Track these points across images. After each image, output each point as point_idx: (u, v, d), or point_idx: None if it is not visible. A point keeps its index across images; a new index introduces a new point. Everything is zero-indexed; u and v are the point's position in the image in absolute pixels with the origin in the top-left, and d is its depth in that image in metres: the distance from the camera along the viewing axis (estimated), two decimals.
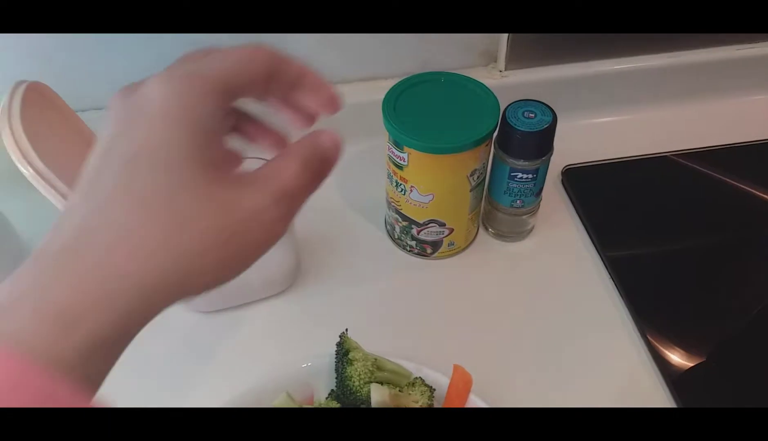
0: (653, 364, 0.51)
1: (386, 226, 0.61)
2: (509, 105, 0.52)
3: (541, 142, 0.52)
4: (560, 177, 0.65)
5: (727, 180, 0.64)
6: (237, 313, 0.55)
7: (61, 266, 0.23)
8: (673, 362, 0.51)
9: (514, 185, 0.55)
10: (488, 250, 0.60)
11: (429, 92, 0.53)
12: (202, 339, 0.54)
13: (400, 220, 0.57)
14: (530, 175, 0.54)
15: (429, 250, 0.58)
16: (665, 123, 0.71)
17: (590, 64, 0.68)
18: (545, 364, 0.52)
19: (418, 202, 0.54)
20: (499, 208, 0.57)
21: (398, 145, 0.50)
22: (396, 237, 0.59)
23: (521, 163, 0.53)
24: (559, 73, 0.67)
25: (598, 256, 0.58)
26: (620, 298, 0.55)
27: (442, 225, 0.55)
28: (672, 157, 0.67)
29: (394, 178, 0.54)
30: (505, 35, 0.64)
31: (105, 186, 0.25)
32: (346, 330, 0.47)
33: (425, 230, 0.56)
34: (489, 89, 0.53)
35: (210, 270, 0.25)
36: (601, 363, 0.52)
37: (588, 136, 0.69)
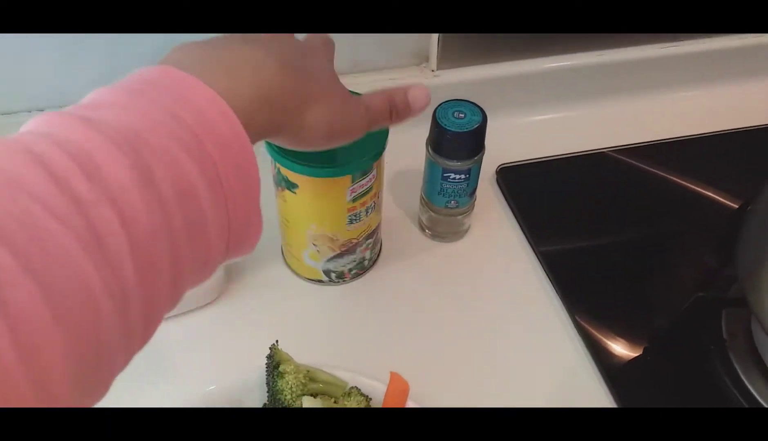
0: (590, 359, 0.51)
1: (333, 280, 0.56)
2: (439, 106, 0.52)
3: (473, 142, 0.52)
4: (495, 176, 0.65)
5: (659, 173, 0.65)
6: (164, 326, 0.52)
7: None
8: (610, 357, 0.51)
9: (448, 186, 0.54)
10: (425, 251, 0.59)
11: None
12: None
13: (370, 242, 0.54)
14: (463, 176, 0.53)
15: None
16: (596, 120, 0.72)
17: (522, 62, 0.68)
18: (482, 366, 0.51)
19: (380, 199, 0.53)
20: (434, 209, 0.57)
21: (366, 170, 0.48)
22: (366, 266, 0.56)
23: (453, 164, 0.52)
24: (491, 72, 0.67)
25: (533, 252, 0.58)
26: (555, 294, 0.55)
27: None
28: (605, 153, 0.67)
29: (362, 209, 0.50)
30: (436, 35, 0.63)
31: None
32: (277, 341, 0.45)
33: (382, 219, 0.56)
34: None
35: (315, 123, 0.34)
36: (539, 360, 0.51)
37: (522, 135, 0.69)
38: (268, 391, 0.44)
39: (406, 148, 0.57)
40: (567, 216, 0.62)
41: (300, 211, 0.50)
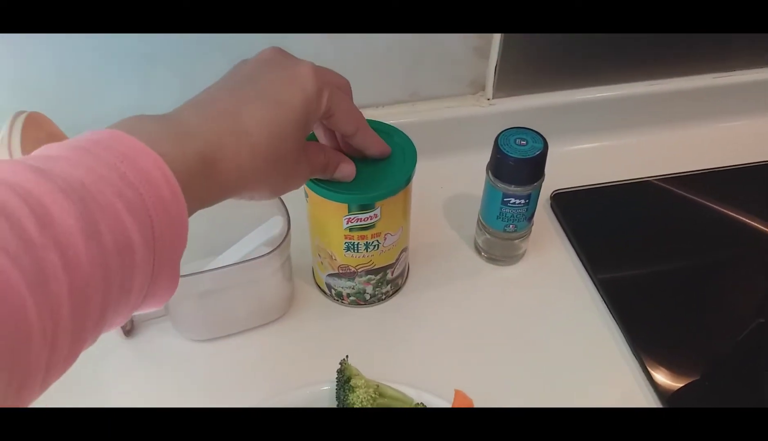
0: (647, 384, 0.52)
1: (334, 297, 0.58)
2: (501, 133, 0.54)
3: (534, 169, 0.54)
4: (549, 201, 0.66)
5: (707, 203, 0.66)
6: (231, 342, 0.55)
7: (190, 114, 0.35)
8: (666, 382, 0.52)
9: (507, 210, 0.56)
10: (481, 274, 0.61)
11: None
12: (197, 367, 0.54)
13: (373, 278, 0.55)
14: (523, 201, 0.55)
15: (400, 282, 0.59)
16: (647, 148, 0.73)
17: (575, 92, 0.70)
18: (541, 387, 0.52)
19: (391, 243, 0.53)
20: (493, 233, 0.59)
21: (367, 207, 0.49)
22: (368, 300, 0.57)
23: (514, 189, 0.54)
24: (544, 100, 0.69)
25: (590, 278, 0.60)
26: (613, 320, 0.56)
27: (406, 249, 0.56)
28: (652, 181, 0.69)
29: (362, 242, 0.52)
30: (493, 64, 0.66)
31: (241, 92, 0.37)
32: (347, 356, 0.48)
33: (397, 265, 0.56)
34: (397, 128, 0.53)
35: (257, 194, 0.39)
36: (596, 384, 0.52)
37: (573, 162, 0.71)
38: (338, 404, 0.46)
39: (466, 173, 0.59)
40: (621, 243, 0.63)
41: (310, 219, 0.53)
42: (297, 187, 0.42)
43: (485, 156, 0.56)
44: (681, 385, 0.52)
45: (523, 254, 0.61)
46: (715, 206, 0.66)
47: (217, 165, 0.34)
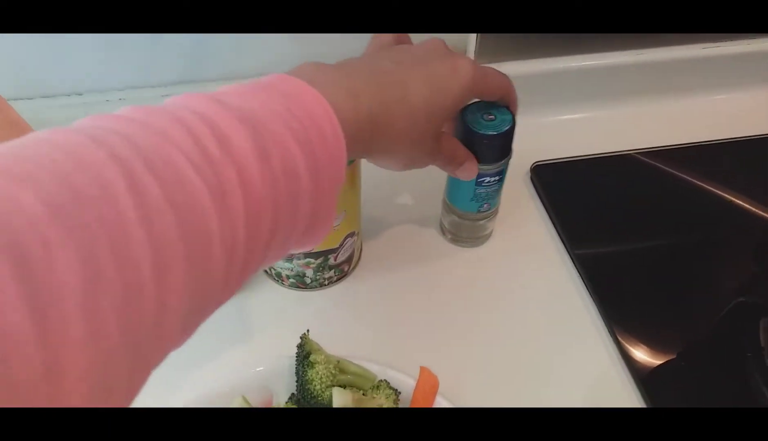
0: (622, 362, 0.50)
1: (273, 276, 0.55)
2: (465, 110, 0.50)
3: (506, 143, 0.51)
4: (529, 174, 0.64)
5: (690, 179, 0.64)
6: None
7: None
8: (642, 360, 0.50)
9: (482, 190, 0.53)
10: (447, 255, 0.58)
11: None
12: None
13: (312, 261, 0.52)
14: (497, 178, 0.52)
15: (347, 268, 0.55)
16: (630, 120, 0.70)
17: (558, 59, 0.67)
18: (513, 365, 0.50)
19: (332, 227, 0.50)
20: (463, 215, 0.55)
21: None
22: (308, 284, 0.54)
23: (488, 168, 0.51)
24: (527, 68, 0.66)
25: (567, 253, 0.57)
26: (589, 295, 0.54)
27: (353, 234, 0.53)
28: (636, 155, 0.66)
29: None
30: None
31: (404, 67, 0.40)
32: (308, 331, 0.45)
33: (341, 250, 0.53)
34: None
35: (397, 156, 0.42)
36: (570, 361, 0.50)
37: (554, 133, 0.68)
38: (297, 381, 0.43)
39: None
40: (601, 217, 0.61)
41: None
42: (422, 166, 0.45)
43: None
44: (658, 363, 0.50)
45: (490, 234, 0.58)
46: (698, 182, 0.64)
47: (380, 126, 0.37)
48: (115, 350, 0.21)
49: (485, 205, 0.54)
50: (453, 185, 0.55)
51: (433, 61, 0.42)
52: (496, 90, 0.47)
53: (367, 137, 0.37)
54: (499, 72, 0.46)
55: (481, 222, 0.56)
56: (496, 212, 0.57)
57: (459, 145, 0.48)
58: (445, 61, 0.42)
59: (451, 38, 0.64)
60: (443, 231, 0.59)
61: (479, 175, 0.51)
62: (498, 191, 0.54)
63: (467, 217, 0.56)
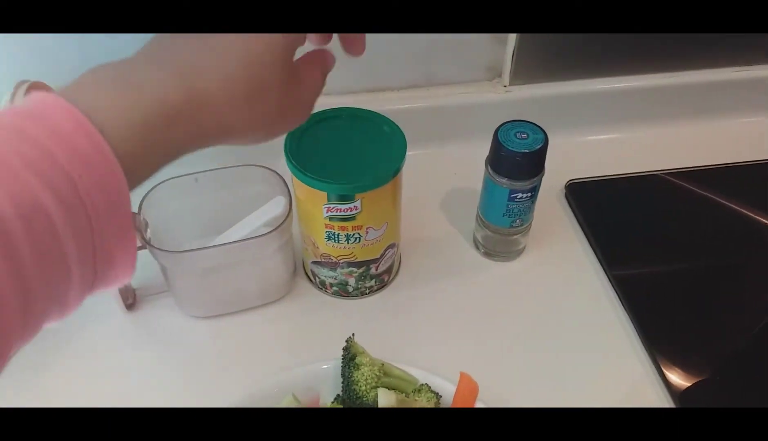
0: (659, 381, 0.50)
1: (318, 285, 0.56)
2: (499, 128, 0.52)
3: (538, 160, 0.53)
4: (563, 191, 0.65)
5: (721, 200, 0.65)
6: (231, 320, 0.54)
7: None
8: (677, 380, 0.50)
9: (514, 206, 0.55)
10: (482, 269, 0.59)
11: (328, 134, 0.50)
12: (196, 344, 0.53)
13: (355, 271, 0.53)
14: (529, 194, 0.54)
15: (387, 278, 0.57)
16: (664, 141, 0.72)
17: (591, 81, 0.69)
18: (550, 376, 0.51)
19: (374, 238, 0.51)
20: (496, 230, 0.57)
21: (346, 198, 0.47)
22: (350, 292, 0.55)
23: (521, 184, 0.53)
24: (561, 89, 0.68)
25: (602, 270, 0.58)
26: (626, 314, 0.55)
27: (393, 246, 0.54)
28: (667, 175, 0.67)
29: (342, 233, 0.50)
30: (511, 51, 0.65)
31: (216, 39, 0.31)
32: (353, 334, 0.47)
33: (383, 261, 0.54)
34: (382, 115, 0.51)
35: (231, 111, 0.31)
36: (607, 377, 0.51)
37: (588, 153, 0.70)
38: (343, 382, 0.45)
39: (480, 161, 0.57)
40: (635, 237, 0.62)
41: (296, 203, 0.52)
42: (300, 119, 0.36)
43: (486, 150, 0.54)
44: (692, 382, 0.50)
45: (523, 249, 0.60)
46: (729, 203, 0.64)
47: (183, 109, 0.29)
48: None
49: (518, 221, 0.56)
50: (486, 201, 0.57)
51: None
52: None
53: (171, 132, 0.29)
54: None
55: (514, 237, 0.58)
56: (529, 228, 0.58)
57: (317, 58, 0.38)
58: None
59: (487, 60, 0.66)
60: (477, 245, 0.60)
61: (512, 191, 0.53)
62: (530, 207, 0.56)
63: (500, 232, 0.57)
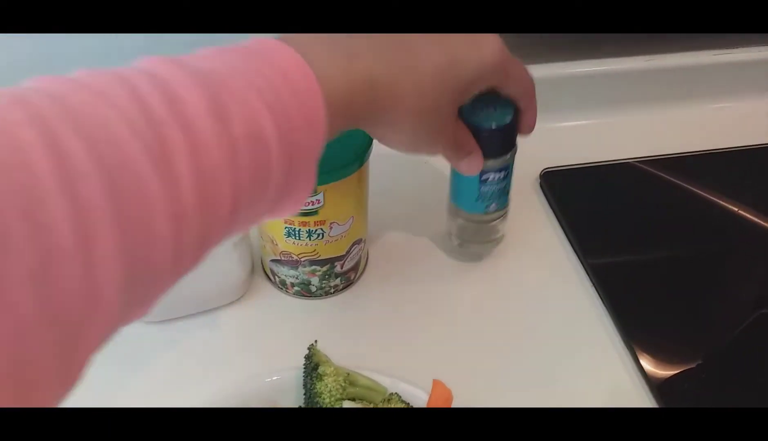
0: (637, 372, 0.48)
1: (278, 284, 0.53)
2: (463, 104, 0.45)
3: (509, 135, 0.48)
4: (538, 180, 0.62)
5: (693, 188, 0.63)
6: (183, 324, 0.50)
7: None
8: (655, 368, 0.49)
9: (486, 188, 0.50)
10: (456, 263, 0.56)
11: None
12: (152, 350, 0.49)
13: (318, 269, 0.50)
14: (502, 174, 0.49)
15: (353, 276, 0.53)
16: (638, 127, 0.69)
17: (566, 64, 0.66)
18: (527, 377, 0.48)
19: (339, 233, 0.48)
20: (469, 218, 0.53)
21: None
22: (314, 292, 0.52)
23: (491, 163, 0.48)
24: (534, 73, 0.65)
25: (579, 262, 0.56)
26: (602, 304, 0.53)
27: (360, 242, 0.51)
28: (643, 162, 0.65)
29: (304, 229, 0.47)
30: None
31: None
32: (315, 341, 0.43)
33: (348, 258, 0.51)
34: None
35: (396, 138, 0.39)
36: (585, 371, 0.49)
37: (563, 140, 0.67)
38: (305, 393, 0.41)
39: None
40: (612, 226, 0.59)
41: None
42: (429, 152, 0.41)
43: None
44: (671, 373, 0.49)
45: (501, 238, 0.56)
46: (704, 192, 0.62)
47: (381, 92, 0.34)
48: (30, 319, 0.20)
49: (492, 205, 0.51)
50: (457, 186, 0.52)
51: (454, 34, 0.37)
52: (518, 83, 0.43)
53: (365, 104, 0.34)
54: (526, 69, 0.43)
55: (491, 224, 0.54)
56: (506, 213, 0.54)
57: (469, 135, 0.44)
58: (468, 34, 0.37)
59: None
60: (450, 237, 0.56)
61: (482, 172, 0.48)
62: (505, 190, 0.51)
63: (474, 219, 0.53)
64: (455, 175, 0.51)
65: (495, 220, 0.53)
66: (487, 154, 0.47)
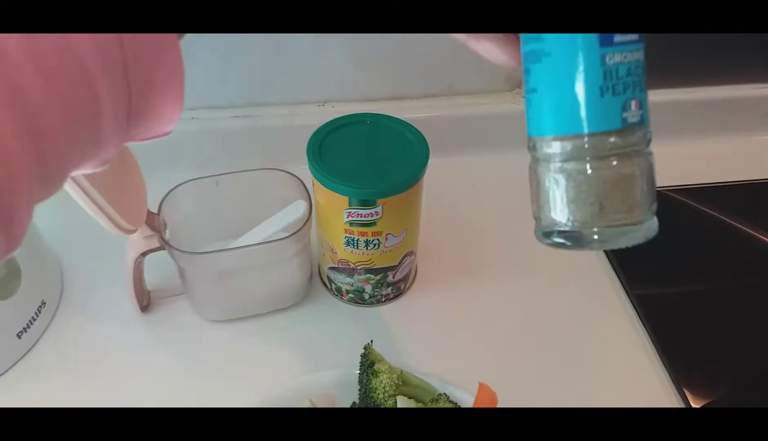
0: (678, 399, 0.50)
1: (334, 291, 0.56)
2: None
3: None
4: None
5: (736, 220, 0.64)
6: (247, 324, 0.54)
7: None
8: (698, 399, 0.50)
9: (619, 66, 0.23)
10: (503, 279, 0.59)
11: (351, 139, 0.50)
12: (211, 348, 0.52)
13: (372, 278, 0.53)
14: (636, 36, 0.27)
15: (403, 287, 0.57)
16: (678, 157, 0.70)
17: None
18: (569, 392, 0.50)
19: (393, 244, 0.51)
20: (599, 146, 0.26)
21: (368, 203, 0.47)
22: (366, 300, 0.55)
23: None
24: None
25: (623, 288, 0.58)
26: (645, 332, 0.54)
27: (411, 253, 0.54)
28: (680, 192, 0.66)
29: (362, 239, 0.50)
30: None
31: None
32: (371, 341, 0.46)
33: (400, 268, 0.54)
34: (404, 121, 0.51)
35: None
36: (624, 393, 0.50)
37: None
38: (360, 389, 0.44)
39: (497, 173, 0.56)
40: (655, 255, 0.61)
41: (316, 207, 0.51)
42: None
43: (519, 156, 0.53)
44: (714, 403, 0.50)
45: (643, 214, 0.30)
46: (748, 225, 0.64)
47: None
48: None
49: (631, 104, 0.26)
50: (554, 89, 0.27)
51: None
52: None
53: None
54: None
55: (629, 166, 0.27)
56: (650, 138, 0.28)
57: None
58: None
59: (506, 71, 0.66)
60: (539, 220, 0.31)
61: (605, 35, 0.25)
62: (644, 68, 0.27)
63: (603, 146, 0.26)
64: (544, 73, 0.27)
65: (637, 147, 0.27)
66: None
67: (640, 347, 0.54)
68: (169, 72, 0.23)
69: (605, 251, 0.61)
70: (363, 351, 0.45)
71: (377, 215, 0.48)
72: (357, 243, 0.50)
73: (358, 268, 0.52)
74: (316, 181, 0.49)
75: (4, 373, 0.50)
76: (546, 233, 0.29)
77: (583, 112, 0.26)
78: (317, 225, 0.53)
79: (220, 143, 0.64)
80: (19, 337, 0.50)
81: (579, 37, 0.25)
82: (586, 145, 0.26)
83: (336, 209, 0.48)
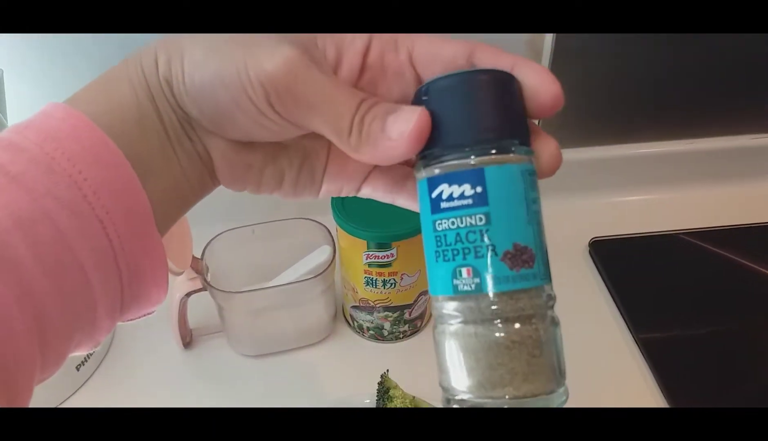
0: None
1: (356, 329, 0.61)
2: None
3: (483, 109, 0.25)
4: (588, 249, 0.69)
5: (742, 261, 0.66)
6: (279, 359, 0.59)
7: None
8: None
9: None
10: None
11: None
12: (247, 380, 0.58)
13: (390, 315, 0.59)
14: (470, 194, 0.26)
15: (419, 324, 0.61)
16: (683, 203, 0.75)
17: (615, 147, 0.74)
18: None
19: (408, 284, 0.56)
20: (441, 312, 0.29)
21: (384, 245, 0.53)
22: (386, 336, 0.60)
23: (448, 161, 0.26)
24: (585, 155, 0.73)
25: (628, 331, 0.60)
26: (652, 376, 0.56)
27: (425, 292, 0.58)
28: (686, 235, 0.70)
29: (379, 279, 0.55)
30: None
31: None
32: (387, 370, 0.51)
33: (415, 306, 0.59)
34: None
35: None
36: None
37: (610, 214, 0.74)
38: None
39: None
40: (660, 298, 0.63)
41: (339, 251, 0.57)
42: (299, 124, 0.25)
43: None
44: None
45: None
46: (753, 264, 0.66)
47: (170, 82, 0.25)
48: None
49: (463, 271, 0.25)
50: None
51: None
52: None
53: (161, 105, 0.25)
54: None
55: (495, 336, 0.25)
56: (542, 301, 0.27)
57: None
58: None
59: None
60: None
61: (428, 180, 0.26)
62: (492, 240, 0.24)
63: (447, 309, 0.26)
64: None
65: (519, 313, 0.25)
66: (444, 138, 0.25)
67: (646, 391, 0.56)
68: (154, 260, 0.24)
69: (611, 293, 0.64)
70: (380, 379, 0.50)
71: (392, 257, 0.54)
72: (375, 282, 0.56)
73: (377, 305, 0.58)
74: (339, 228, 0.55)
75: (63, 402, 0.56)
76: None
77: (428, 275, 0.26)
78: (341, 267, 0.59)
79: (257, 195, 0.70)
80: (77, 369, 0.57)
81: (424, 202, 0.26)
82: (439, 308, 0.26)
83: (356, 252, 0.54)
